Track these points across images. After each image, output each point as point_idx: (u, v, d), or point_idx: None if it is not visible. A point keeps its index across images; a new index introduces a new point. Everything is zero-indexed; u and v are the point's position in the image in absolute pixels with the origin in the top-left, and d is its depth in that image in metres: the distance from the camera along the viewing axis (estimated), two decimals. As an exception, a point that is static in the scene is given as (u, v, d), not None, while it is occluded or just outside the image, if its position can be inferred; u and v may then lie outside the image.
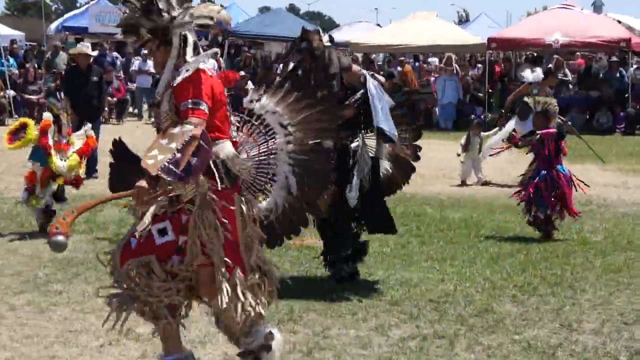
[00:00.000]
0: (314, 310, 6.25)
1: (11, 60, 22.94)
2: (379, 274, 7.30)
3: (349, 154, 6.73)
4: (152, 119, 5.09)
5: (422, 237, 8.88)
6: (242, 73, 22.71)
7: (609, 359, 5.41)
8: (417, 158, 7.36)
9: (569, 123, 13.05)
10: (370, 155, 6.96)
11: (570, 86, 22.03)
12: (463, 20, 54.86)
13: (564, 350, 5.52)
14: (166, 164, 4.16)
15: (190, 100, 4.36)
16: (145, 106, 22.75)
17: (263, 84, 5.19)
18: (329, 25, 67.12)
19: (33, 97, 21.37)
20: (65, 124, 8.92)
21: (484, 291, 6.84)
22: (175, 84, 4.44)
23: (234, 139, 4.79)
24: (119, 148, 5.32)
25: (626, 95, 21.32)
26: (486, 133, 13.09)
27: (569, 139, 9.52)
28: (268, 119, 5.06)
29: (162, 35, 4.50)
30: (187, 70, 4.43)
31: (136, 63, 23.12)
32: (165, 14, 4.45)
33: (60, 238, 4.33)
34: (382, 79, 7.16)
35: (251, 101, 5.12)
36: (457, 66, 23.22)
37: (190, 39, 4.55)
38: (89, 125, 9.45)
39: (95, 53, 17.27)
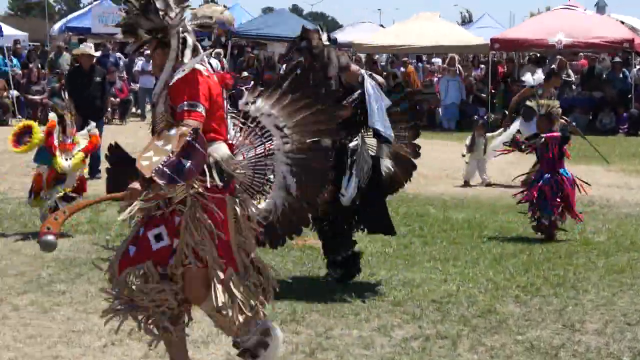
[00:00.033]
0: (316, 310, 6.25)
1: (14, 60, 22.97)
2: (382, 274, 7.31)
3: (347, 154, 6.71)
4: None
5: (425, 237, 8.88)
6: (245, 73, 22.80)
7: (612, 359, 5.41)
8: (417, 155, 7.35)
9: (574, 124, 13.04)
10: (372, 154, 6.95)
11: (574, 87, 22.01)
12: (466, 21, 54.84)
13: (567, 350, 5.52)
14: (160, 166, 4.14)
15: (186, 102, 4.34)
16: (148, 106, 22.75)
17: (258, 86, 5.20)
18: (332, 25, 67.12)
19: (36, 97, 21.40)
20: (69, 124, 8.92)
21: (487, 292, 6.84)
22: (170, 85, 4.42)
23: (230, 141, 4.78)
24: (114, 153, 5.30)
25: (629, 95, 21.30)
26: (491, 134, 13.07)
27: (573, 139, 9.52)
28: (263, 121, 5.05)
29: (161, 37, 4.48)
30: (182, 71, 4.41)
31: (139, 63, 23.14)
32: (163, 14, 4.42)
33: (50, 238, 4.34)
34: (380, 78, 7.15)
35: (246, 103, 5.11)
36: (460, 67, 23.22)
37: (190, 40, 4.52)
38: (93, 124, 9.45)
39: (98, 53, 17.28)
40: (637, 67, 22.15)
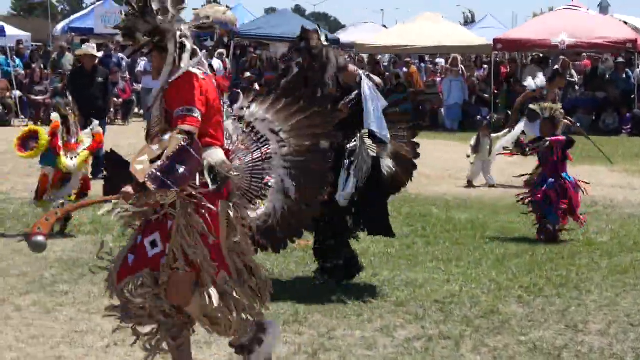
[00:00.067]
0: (319, 311, 6.25)
1: (17, 60, 23.01)
2: (384, 274, 7.30)
3: (345, 154, 6.68)
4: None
5: (428, 237, 8.87)
6: (248, 74, 22.81)
7: (615, 360, 5.41)
8: (417, 155, 7.33)
9: (578, 124, 13.03)
10: (372, 154, 6.92)
11: (577, 87, 22.00)
12: (469, 21, 54.83)
13: (570, 351, 5.52)
14: (154, 171, 4.12)
15: (182, 107, 4.30)
16: (150, 107, 22.73)
17: (252, 92, 5.19)
18: (335, 26, 67.19)
19: (39, 97, 21.42)
20: (73, 125, 8.92)
21: (490, 292, 6.83)
22: (166, 89, 4.40)
23: (227, 147, 4.75)
24: (110, 157, 5.28)
25: (632, 96, 21.27)
26: (496, 134, 13.04)
27: (576, 140, 9.50)
28: (258, 126, 5.05)
29: (158, 40, 4.43)
30: (178, 75, 4.38)
31: (142, 64, 23.12)
32: (159, 16, 4.38)
33: (40, 238, 4.33)
34: (378, 79, 7.15)
35: (241, 108, 5.10)
36: (462, 67, 23.21)
37: (188, 45, 4.47)
38: (96, 122, 9.45)
39: (100, 54, 17.30)
40: (641, 67, 22.14)
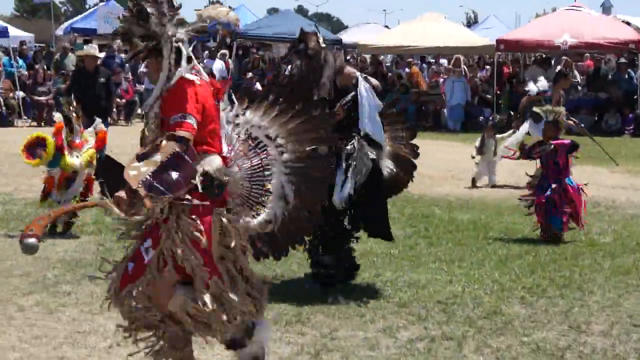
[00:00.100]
0: (321, 311, 6.25)
1: (20, 61, 23.03)
2: (387, 275, 7.30)
3: (342, 157, 6.65)
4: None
5: (431, 238, 8.87)
6: (250, 74, 22.83)
7: (618, 361, 5.41)
8: (416, 155, 7.31)
9: (582, 125, 13.00)
10: (372, 157, 6.82)
11: (579, 88, 21.99)
12: (471, 22, 54.76)
13: (573, 352, 5.52)
14: (148, 177, 4.10)
15: (178, 114, 4.29)
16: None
17: (246, 98, 5.18)
18: (337, 26, 67.11)
19: (42, 98, 21.44)
20: (76, 127, 8.93)
21: (493, 293, 6.83)
22: (162, 96, 4.38)
23: (225, 154, 4.73)
24: (106, 163, 5.27)
25: (635, 96, 21.28)
26: (500, 135, 13.02)
27: (579, 140, 9.49)
28: (255, 133, 5.03)
29: (153, 45, 4.42)
30: (173, 82, 4.36)
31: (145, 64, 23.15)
32: (154, 21, 4.37)
33: (32, 240, 4.32)
34: (375, 81, 7.14)
35: (236, 115, 5.09)
36: (465, 68, 23.21)
37: (184, 50, 4.45)
38: (99, 120, 9.46)
39: (102, 55, 17.31)
40: (643, 68, 22.13)
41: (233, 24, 5.42)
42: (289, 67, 6.74)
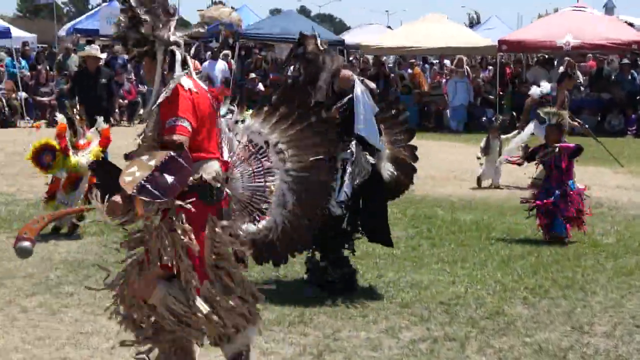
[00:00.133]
0: (324, 312, 6.25)
1: (23, 62, 23.05)
2: (390, 276, 7.30)
3: (340, 161, 6.58)
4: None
5: (433, 239, 8.86)
6: (253, 75, 22.82)
7: (621, 362, 5.41)
8: (416, 158, 7.30)
9: (586, 126, 13.00)
10: (372, 161, 6.75)
11: (582, 88, 21.97)
12: (474, 23, 54.75)
13: (575, 353, 5.51)
14: (143, 182, 4.08)
15: (172, 118, 4.28)
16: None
17: (243, 104, 5.17)
18: (340, 27, 67.21)
19: (45, 99, 21.45)
20: (80, 129, 8.94)
21: (495, 294, 6.83)
22: (159, 102, 4.38)
23: (226, 160, 4.72)
24: (102, 166, 5.26)
25: (638, 97, 21.25)
26: (505, 136, 12.99)
27: (583, 142, 9.48)
28: (255, 139, 5.02)
29: (148, 50, 4.42)
30: (168, 88, 4.36)
31: (147, 65, 23.16)
32: (148, 25, 4.37)
33: (27, 244, 4.32)
34: (373, 85, 7.12)
35: (236, 122, 5.08)
36: (467, 68, 23.20)
37: (178, 54, 4.45)
38: (101, 119, 9.46)
39: (104, 55, 17.29)
40: (646, 68, 22.12)
41: (235, 24, 5.42)
42: (291, 68, 6.74)
